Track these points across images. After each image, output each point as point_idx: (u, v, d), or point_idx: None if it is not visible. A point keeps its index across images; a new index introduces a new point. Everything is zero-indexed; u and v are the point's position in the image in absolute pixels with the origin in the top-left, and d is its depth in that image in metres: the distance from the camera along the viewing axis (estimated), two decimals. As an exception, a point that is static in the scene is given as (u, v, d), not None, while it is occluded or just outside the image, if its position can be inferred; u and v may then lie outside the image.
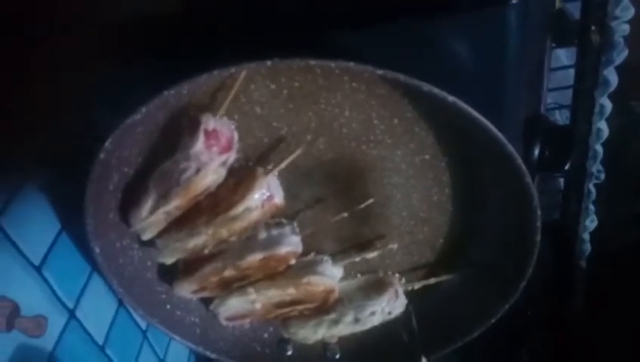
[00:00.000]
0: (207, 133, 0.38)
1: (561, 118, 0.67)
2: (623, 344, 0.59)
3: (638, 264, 0.60)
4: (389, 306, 0.49)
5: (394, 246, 0.48)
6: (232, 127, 0.41)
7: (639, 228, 0.63)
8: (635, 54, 0.46)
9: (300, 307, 0.49)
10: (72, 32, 0.30)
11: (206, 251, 0.44)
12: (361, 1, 0.36)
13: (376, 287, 0.50)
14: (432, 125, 0.41)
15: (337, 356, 0.53)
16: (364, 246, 0.49)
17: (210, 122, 0.38)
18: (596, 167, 0.52)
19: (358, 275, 0.51)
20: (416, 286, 0.50)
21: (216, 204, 0.42)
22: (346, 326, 0.50)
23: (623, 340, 0.59)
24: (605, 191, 0.53)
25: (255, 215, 0.42)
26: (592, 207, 0.53)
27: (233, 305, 0.48)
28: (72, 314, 0.42)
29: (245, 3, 0.37)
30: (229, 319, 0.50)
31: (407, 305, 0.50)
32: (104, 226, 0.42)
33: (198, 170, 0.39)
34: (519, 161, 0.37)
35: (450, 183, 0.45)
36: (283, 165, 0.42)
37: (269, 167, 0.42)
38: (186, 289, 0.47)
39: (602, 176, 0.51)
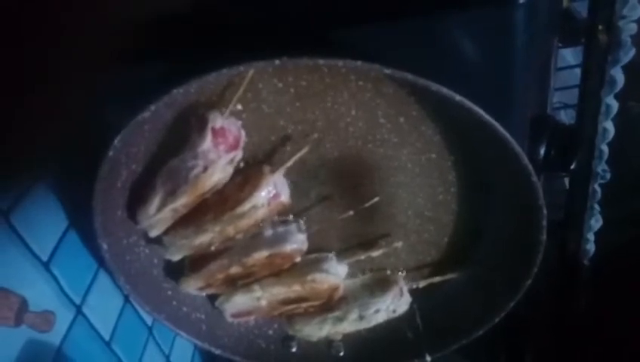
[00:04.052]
0: (214, 132, 0.38)
1: (566, 117, 0.67)
2: (627, 344, 0.59)
3: (633, 262, 0.61)
4: (393, 304, 0.49)
5: (399, 244, 0.48)
6: (240, 125, 0.41)
7: (634, 227, 0.63)
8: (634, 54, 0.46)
9: (305, 304, 0.49)
10: (80, 31, 0.30)
11: (212, 248, 0.45)
12: (367, -1, 0.36)
13: (380, 285, 0.50)
14: (439, 124, 0.41)
15: (341, 353, 0.54)
16: (369, 244, 0.49)
17: (217, 120, 0.39)
18: (601, 167, 0.52)
19: (362, 273, 0.51)
20: (421, 284, 0.50)
21: (223, 201, 0.42)
22: (351, 324, 0.50)
23: (627, 340, 0.59)
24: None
25: (261, 213, 0.42)
26: (597, 207, 0.53)
27: (239, 302, 0.49)
28: (79, 309, 0.42)
29: (251, 2, 0.37)
30: (234, 315, 0.50)
31: (412, 303, 0.50)
32: (112, 223, 0.42)
33: (205, 168, 0.39)
34: (525, 160, 0.37)
35: (455, 182, 0.45)
36: (289, 163, 0.42)
37: (276, 165, 0.42)
38: (192, 286, 0.47)
39: (608, 175, 0.51)
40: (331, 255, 0.49)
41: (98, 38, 0.31)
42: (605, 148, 0.50)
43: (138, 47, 0.33)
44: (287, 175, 0.43)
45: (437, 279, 0.49)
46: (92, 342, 0.44)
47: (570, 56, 0.63)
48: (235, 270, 0.45)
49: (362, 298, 0.50)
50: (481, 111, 0.35)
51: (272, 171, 0.42)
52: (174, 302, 0.49)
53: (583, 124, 0.49)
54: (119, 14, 0.31)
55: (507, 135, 0.36)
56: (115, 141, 0.36)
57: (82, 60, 0.31)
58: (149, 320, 0.53)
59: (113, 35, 0.31)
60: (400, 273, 0.51)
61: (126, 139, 0.37)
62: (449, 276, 0.49)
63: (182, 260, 0.46)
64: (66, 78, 0.31)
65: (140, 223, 0.42)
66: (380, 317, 0.50)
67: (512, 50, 0.37)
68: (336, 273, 0.48)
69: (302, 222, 0.46)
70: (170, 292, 0.49)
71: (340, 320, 0.50)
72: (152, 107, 0.35)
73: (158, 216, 0.41)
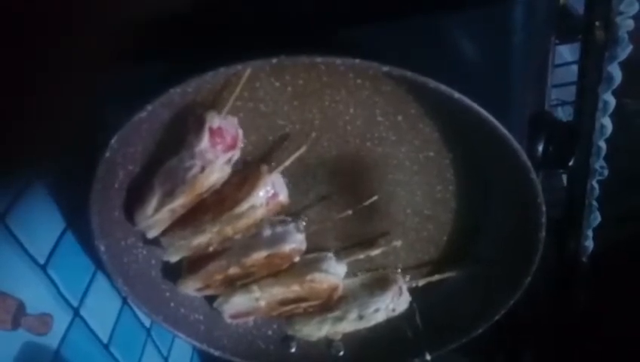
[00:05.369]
0: (212, 131, 0.38)
1: (563, 114, 0.67)
2: (626, 341, 0.59)
3: (632, 259, 0.61)
4: (392, 303, 0.49)
5: (398, 243, 0.48)
6: (237, 124, 0.41)
7: (632, 223, 0.63)
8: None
9: (304, 304, 0.49)
10: (80, 31, 0.30)
11: (210, 249, 0.44)
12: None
13: (380, 284, 0.50)
14: (437, 122, 0.41)
15: (341, 353, 0.54)
16: (368, 243, 0.49)
17: (215, 120, 0.38)
18: (599, 164, 0.52)
19: (361, 273, 0.51)
20: (420, 283, 0.50)
21: (221, 201, 0.42)
22: (350, 323, 0.50)
23: (626, 337, 0.59)
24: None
25: (260, 212, 0.42)
26: (595, 204, 0.53)
27: (237, 303, 0.48)
28: (76, 312, 0.42)
29: (251, 2, 0.37)
30: (233, 316, 0.50)
31: (411, 302, 0.50)
32: (109, 224, 0.42)
33: (203, 168, 0.39)
34: (524, 157, 0.37)
35: (454, 180, 0.45)
36: (287, 163, 0.42)
37: (274, 165, 0.42)
38: (191, 287, 0.47)
39: (605, 172, 0.51)
40: (330, 254, 0.49)
41: (98, 38, 0.31)
42: (603, 145, 0.50)
43: (138, 47, 0.32)
44: (285, 174, 0.43)
45: (436, 277, 0.49)
46: (90, 345, 0.44)
47: (567, 52, 0.63)
48: (233, 270, 0.45)
49: (362, 297, 0.50)
50: (480, 109, 0.35)
51: (270, 171, 0.42)
52: (172, 304, 0.49)
53: (580, 120, 0.49)
54: (119, 14, 0.31)
55: (506, 132, 0.36)
56: (112, 141, 0.36)
57: (82, 60, 0.31)
58: (147, 322, 0.52)
59: (113, 35, 0.31)
60: (399, 272, 0.51)
61: (123, 140, 0.36)
62: (448, 274, 0.49)
63: (180, 261, 0.46)
64: (66, 78, 0.31)
65: (138, 224, 0.42)
66: (380, 317, 0.50)
67: (510, 48, 0.37)
68: (335, 272, 0.48)
69: (300, 221, 0.46)
70: (168, 294, 0.49)
71: (340, 319, 0.50)
72: (149, 107, 0.35)
73: (155, 217, 0.41)
